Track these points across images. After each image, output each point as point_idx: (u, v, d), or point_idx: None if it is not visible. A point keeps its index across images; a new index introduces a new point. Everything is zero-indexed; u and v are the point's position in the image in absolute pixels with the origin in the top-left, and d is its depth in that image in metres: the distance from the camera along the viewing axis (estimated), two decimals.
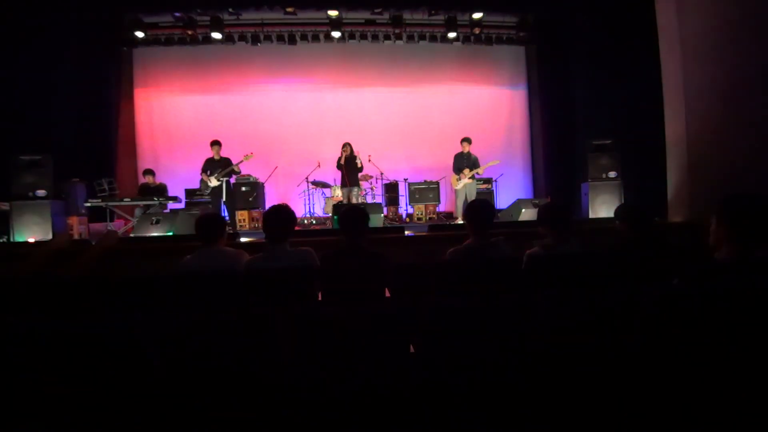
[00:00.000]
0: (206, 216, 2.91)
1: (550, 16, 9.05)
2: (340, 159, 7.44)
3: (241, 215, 7.89)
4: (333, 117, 9.61)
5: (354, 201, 7.47)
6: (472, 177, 7.44)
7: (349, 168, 7.41)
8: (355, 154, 7.39)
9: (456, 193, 7.65)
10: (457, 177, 7.51)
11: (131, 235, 6.03)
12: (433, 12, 8.71)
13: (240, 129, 9.30)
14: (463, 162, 7.47)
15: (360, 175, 7.81)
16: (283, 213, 2.72)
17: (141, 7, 8.35)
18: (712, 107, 4.99)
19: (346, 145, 7.41)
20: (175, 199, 7.13)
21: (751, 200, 1.73)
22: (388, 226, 7.22)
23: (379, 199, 8.83)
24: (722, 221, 1.76)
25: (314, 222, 8.56)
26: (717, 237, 1.78)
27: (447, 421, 1.61)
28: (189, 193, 8.47)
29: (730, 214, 1.74)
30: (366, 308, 1.68)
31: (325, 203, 8.73)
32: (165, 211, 6.85)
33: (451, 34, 9.12)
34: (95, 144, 8.43)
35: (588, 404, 1.62)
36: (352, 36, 9.20)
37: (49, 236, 5.71)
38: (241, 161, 6.96)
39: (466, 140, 7.50)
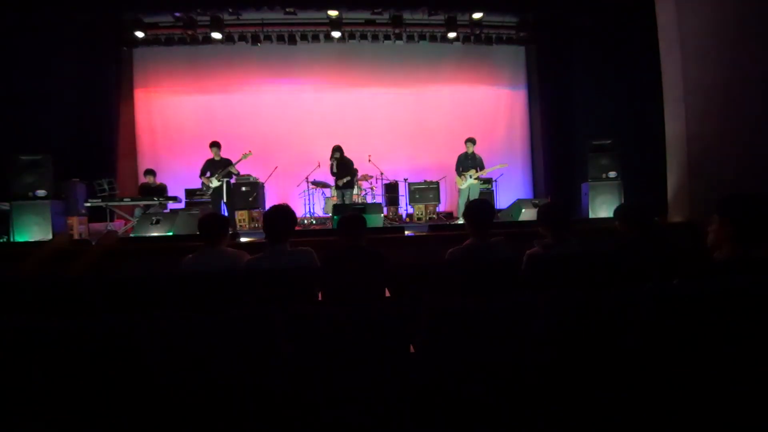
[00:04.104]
0: (210, 216, 2.90)
1: (550, 16, 9.05)
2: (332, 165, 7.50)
3: (241, 215, 7.89)
4: (333, 117, 9.60)
5: (348, 202, 7.48)
6: (477, 177, 7.44)
7: (340, 171, 7.44)
8: (334, 156, 7.42)
9: (459, 192, 7.64)
10: (461, 177, 7.50)
11: (131, 235, 6.03)
12: (433, 12, 8.69)
13: (240, 129, 9.29)
14: (468, 162, 7.46)
15: (360, 175, 7.77)
16: (283, 213, 2.72)
17: (141, 7, 8.35)
18: (712, 107, 4.98)
19: (336, 149, 7.44)
20: (175, 199, 7.13)
21: (750, 200, 1.73)
22: (388, 226, 7.22)
23: (379, 199, 8.82)
24: (722, 221, 1.76)
25: (314, 222, 8.56)
26: (716, 237, 1.78)
27: (447, 422, 1.62)
28: (189, 193, 8.47)
29: (729, 213, 1.73)
30: (366, 308, 1.68)
31: (325, 203, 8.74)
32: (165, 211, 6.86)
33: (451, 34, 9.12)
34: (95, 144, 8.45)
35: (588, 404, 1.62)
36: (352, 36, 9.19)
37: (49, 236, 5.71)
38: (240, 160, 6.97)
39: (471, 140, 7.49)
